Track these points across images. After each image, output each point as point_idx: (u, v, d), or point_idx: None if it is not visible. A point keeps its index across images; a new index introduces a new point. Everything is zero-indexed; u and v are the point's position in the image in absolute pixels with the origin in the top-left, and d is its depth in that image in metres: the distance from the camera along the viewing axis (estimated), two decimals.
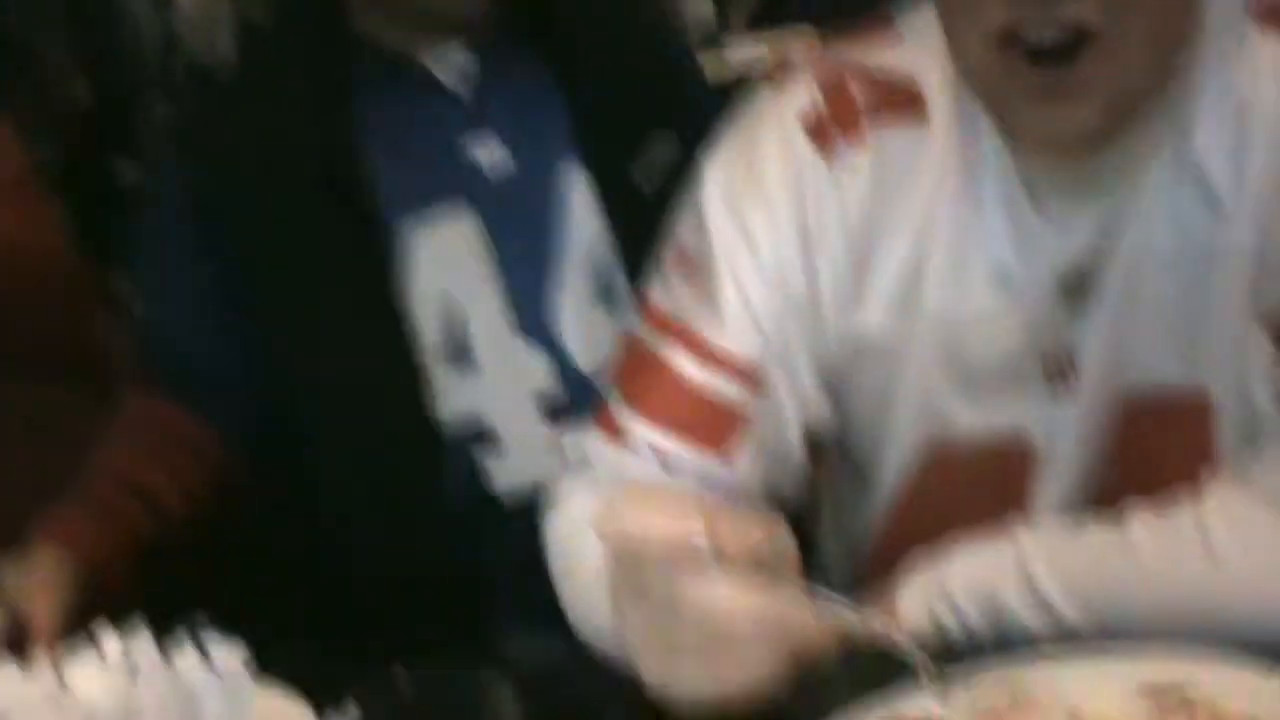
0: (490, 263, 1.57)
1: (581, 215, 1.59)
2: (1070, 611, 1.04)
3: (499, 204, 1.58)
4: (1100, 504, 1.17)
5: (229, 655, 1.01)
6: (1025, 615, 1.05)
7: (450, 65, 1.59)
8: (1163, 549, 1.03)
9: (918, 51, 1.18)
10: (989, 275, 1.15)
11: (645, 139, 1.59)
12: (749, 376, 1.17)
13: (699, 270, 1.18)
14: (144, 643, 1.03)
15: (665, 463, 1.16)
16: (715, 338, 1.17)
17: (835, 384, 1.21)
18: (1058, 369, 1.16)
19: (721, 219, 1.18)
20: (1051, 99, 1.04)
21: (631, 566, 0.88)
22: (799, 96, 1.19)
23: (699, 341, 1.17)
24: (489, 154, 1.59)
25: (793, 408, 1.19)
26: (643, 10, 1.75)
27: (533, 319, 1.57)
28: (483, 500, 1.55)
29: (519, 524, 1.46)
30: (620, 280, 1.57)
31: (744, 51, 5.71)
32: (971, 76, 1.09)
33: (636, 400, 1.18)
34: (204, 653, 1.02)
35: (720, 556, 0.84)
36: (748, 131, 1.21)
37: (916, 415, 1.20)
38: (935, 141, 1.16)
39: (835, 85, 1.18)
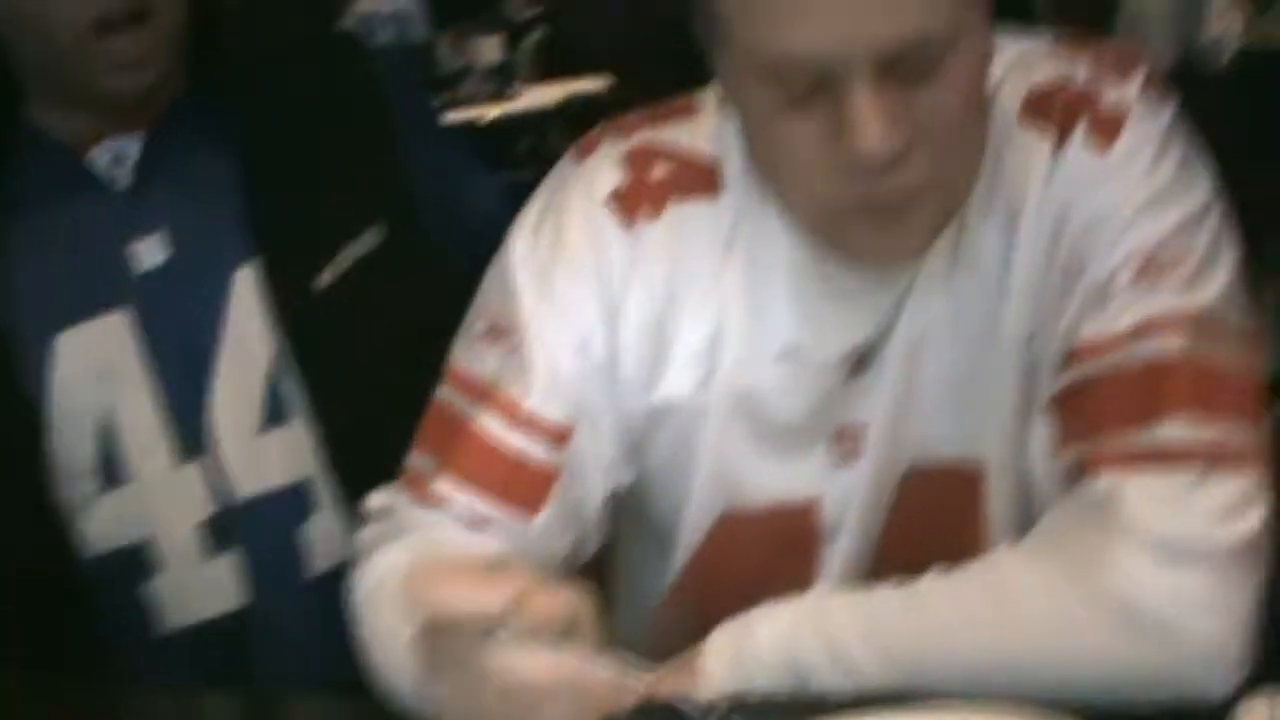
0: (148, 376, 1.44)
1: (253, 326, 1.45)
2: (873, 671, 1.05)
3: (159, 311, 1.44)
4: (884, 569, 1.20)
5: None
6: (829, 676, 1.07)
7: (115, 155, 1.45)
8: (957, 607, 1.06)
9: (715, 132, 1.21)
10: (779, 350, 1.19)
11: (338, 245, 1.47)
12: (558, 438, 1.18)
13: (507, 335, 1.20)
14: None
15: (475, 523, 1.16)
16: (524, 400, 1.18)
17: (636, 448, 1.23)
18: (845, 441, 1.21)
19: (529, 287, 1.20)
20: (886, 233, 1.09)
21: (439, 637, 0.89)
22: (603, 170, 1.21)
23: (509, 404, 1.18)
24: (150, 254, 1.45)
25: (596, 471, 1.21)
26: (347, 91, 1.56)
27: (193, 438, 1.44)
28: (142, 632, 1.45)
29: (183, 655, 1.42)
30: (297, 397, 1.46)
31: (535, 96, 5.79)
32: (799, 218, 1.13)
33: (446, 462, 1.19)
34: None
35: (524, 626, 0.86)
36: (554, 202, 1.23)
37: (712, 479, 1.23)
38: (728, 217, 1.19)
39: (638, 161, 1.21)
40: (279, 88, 1.51)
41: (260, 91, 1.50)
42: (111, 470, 1.43)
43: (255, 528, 1.46)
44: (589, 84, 5.71)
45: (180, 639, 1.46)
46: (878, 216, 1.08)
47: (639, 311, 1.19)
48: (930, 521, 1.22)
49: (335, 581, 1.32)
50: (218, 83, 1.48)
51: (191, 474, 1.44)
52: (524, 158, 5.86)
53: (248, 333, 1.45)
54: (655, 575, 1.30)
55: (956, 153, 1.10)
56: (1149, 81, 1.17)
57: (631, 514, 1.30)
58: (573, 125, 5.78)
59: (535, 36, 6.84)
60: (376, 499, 1.24)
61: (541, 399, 1.18)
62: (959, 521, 1.22)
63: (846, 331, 1.18)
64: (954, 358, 1.18)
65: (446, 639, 0.88)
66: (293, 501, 1.44)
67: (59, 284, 1.44)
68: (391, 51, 1.74)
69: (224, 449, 1.44)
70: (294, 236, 1.46)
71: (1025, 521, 1.15)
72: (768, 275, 1.19)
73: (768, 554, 1.24)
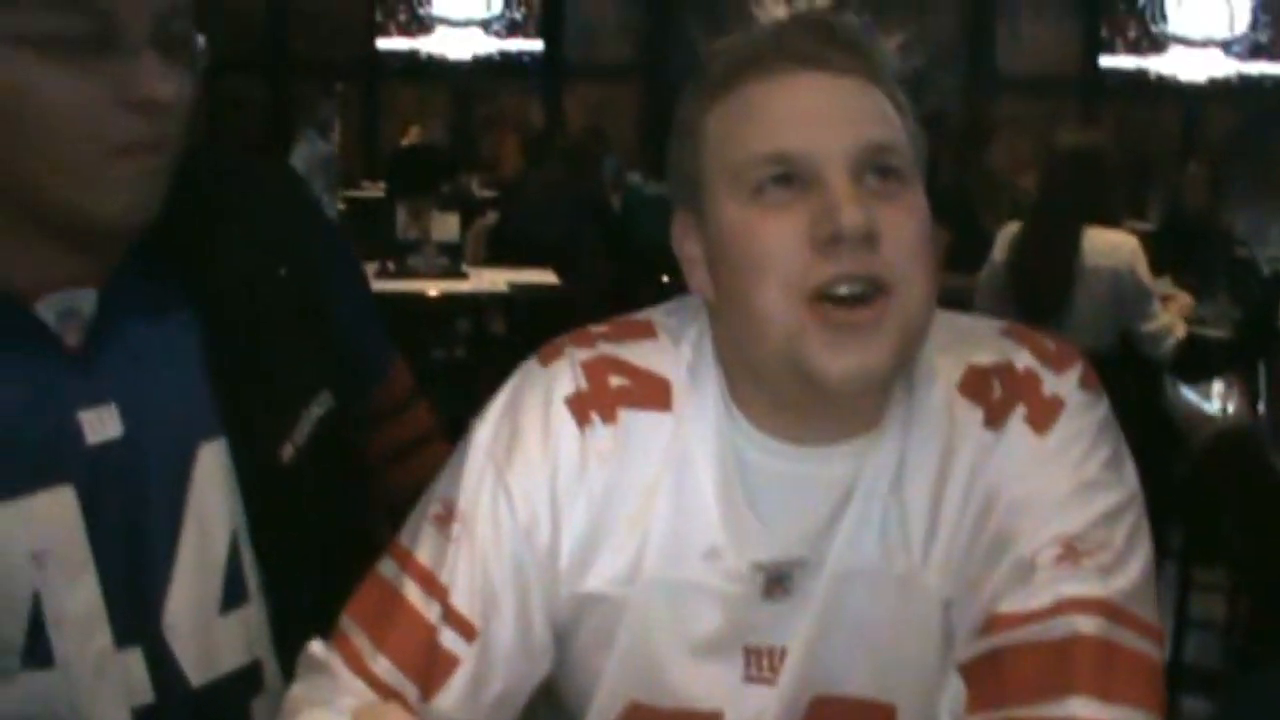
0: (92, 558, 1.29)
1: (214, 505, 1.35)
2: None
3: (107, 486, 1.30)
4: None
5: None
6: None
7: (66, 310, 1.30)
8: None
9: (670, 349, 1.30)
10: (701, 553, 1.25)
11: (297, 413, 1.39)
12: (471, 633, 1.23)
13: (451, 523, 1.26)
14: None
15: (401, 703, 1.21)
16: (451, 590, 1.24)
17: (561, 635, 1.29)
18: (761, 661, 1.26)
19: (483, 471, 1.27)
20: (851, 340, 1.16)
21: None
22: (565, 376, 1.29)
23: (439, 590, 1.24)
24: (102, 426, 1.30)
25: (518, 657, 1.26)
26: (300, 250, 1.46)
27: (137, 623, 1.31)
28: None
29: None
30: (254, 576, 1.37)
31: (483, 279, 5.87)
32: (770, 331, 1.19)
33: (376, 635, 1.24)
34: None
35: None
36: (517, 398, 1.30)
37: (626, 670, 1.27)
38: (675, 428, 1.27)
39: (597, 370, 1.29)
40: (235, 246, 1.40)
41: (217, 250, 1.39)
42: (38, 651, 1.28)
43: (200, 713, 1.35)
44: (534, 274, 5.84)
45: None
46: (844, 334, 1.16)
47: (580, 506, 1.26)
48: None
49: None
50: (172, 241, 1.35)
51: (130, 661, 1.31)
52: (463, 337, 5.94)
53: (209, 511, 1.34)
54: None
55: (917, 280, 1.18)
56: (1086, 376, 1.26)
57: (545, 696, 1.34)
58: (511, 312, 5.90)
59: (488, 220, 6.98)
60: (317, 649, 1.27)
61: (465, 592, 1.24)
62: None
63: (766, 548, 1.24)
64: (878, 604, 1.24)
65: None
66: (243, 684, 1.35)
67: None
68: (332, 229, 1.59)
69: (177, 634, 1.33)
70: (258, 408, 1.37)
71: None
72: (699, 485, 1.25)
73: None
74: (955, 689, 1.18)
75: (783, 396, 1.24)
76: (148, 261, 1.33)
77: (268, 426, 1.37)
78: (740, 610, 1.25)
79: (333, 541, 1.36)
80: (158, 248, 1.33)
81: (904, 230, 1.18)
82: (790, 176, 1.18)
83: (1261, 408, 4.31)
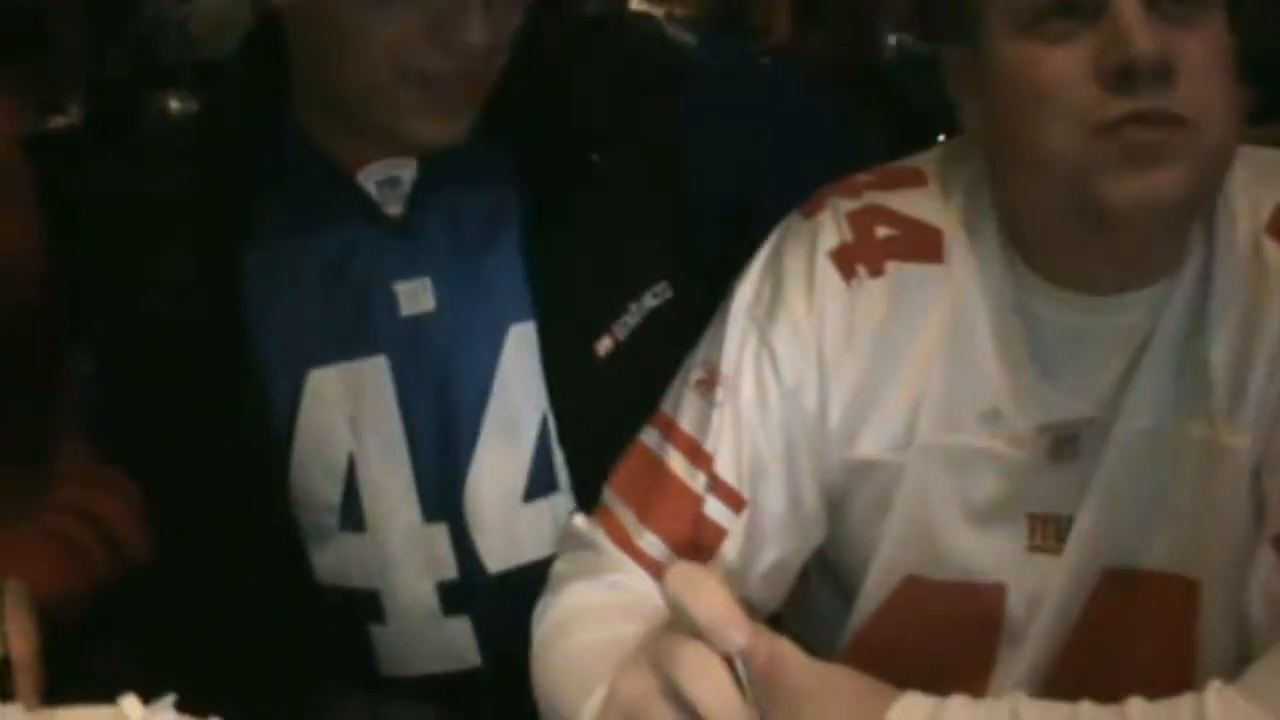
0: (402, 429, 1.32)
1: (521, 390, 1.32)
2: None
3: (421, 362, 1.32)
4: (1065, 671, 1.19)
5: None
6: None
7: (387, 180, 1.31)
8: None
9: (941, 197, 1.21)
10: (981, 415, 1.17)
11: (621, 307, 1.33)
12: (738, 503, 1.19)
13: (716, 387, 1.21)
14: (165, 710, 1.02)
15: (659, 575, 1.16)
16: (715, 459, 1.19)
17: (834, 503, 1.23)
18: (1044, 531, 1.18)
19: (746, 332, 1.21)
20: (1142, 164, 1.05)
21: (670, 633, 0.89)
22: (829, 228, 1.22)
23: (703, 459, 1.20)
24: (417, 298, 1.31)
25: (789, 527, 1.21)
26: (647, 123, 1.38)
27: (444, 502, 1.33)
28: (364, 675, 1.36)
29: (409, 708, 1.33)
30: (565, 468, 1.34)
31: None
32: (1054, 168, 1.08)
33: (641, 508, 1.21)
34: None
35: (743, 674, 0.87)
36: (778, 253, 1.24)
37: (902, 539, 1.21)
38: (949, 281, 1.19)
39: (863, 222, 1.21)
40: (565, 122, 1.35)
41: (546, 127, 1.35)
42: (352, 514, 1.33)
43: (501, 597, 1.34)
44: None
45: (401, 688, 1.38)
46: (1135, 160, 1.04)
47: (849, 366, 1.19)
48: (1129, 635, 1.19)
49: None
50: (499, 113, 1.31)
51: (437, 536, 1.34)
52: None
53: (517, 396, 1.32)
54: (836, 629, 1.28)
55: (1217, 115, 1.06)
56: None
57: (821, 565, 1.29)
58: None
59: None
60: (581, 523, 1.25)
61: (731, 461, 1.19)
62: (1164, 636, 1.18)
63: (1052, 409, 1.16)
64: (1177, 468, 1.14)
65: (671, 639, 0.88)
66: (545, 575, 1.29)
67: (318, 315, 1.31)
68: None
69: (481, 516, 1.34)
70: (574, 297, 1.32)
71: (1239, 644, 1.12)
72: (977, 341, 1.17)
73: (949, 629, 1.22)
74: (1268, 564, 1.09)
75: (1068, 240, 1.13)
76: (472, 135, 1.29)
77: (584, 318, 1.33)
78: (1023, 475, 1.17)
79: None
80: (484, 120, 1.29)
81: (1203, 61, 1.05)
82: (1073, 4, 1.06)
83: None
